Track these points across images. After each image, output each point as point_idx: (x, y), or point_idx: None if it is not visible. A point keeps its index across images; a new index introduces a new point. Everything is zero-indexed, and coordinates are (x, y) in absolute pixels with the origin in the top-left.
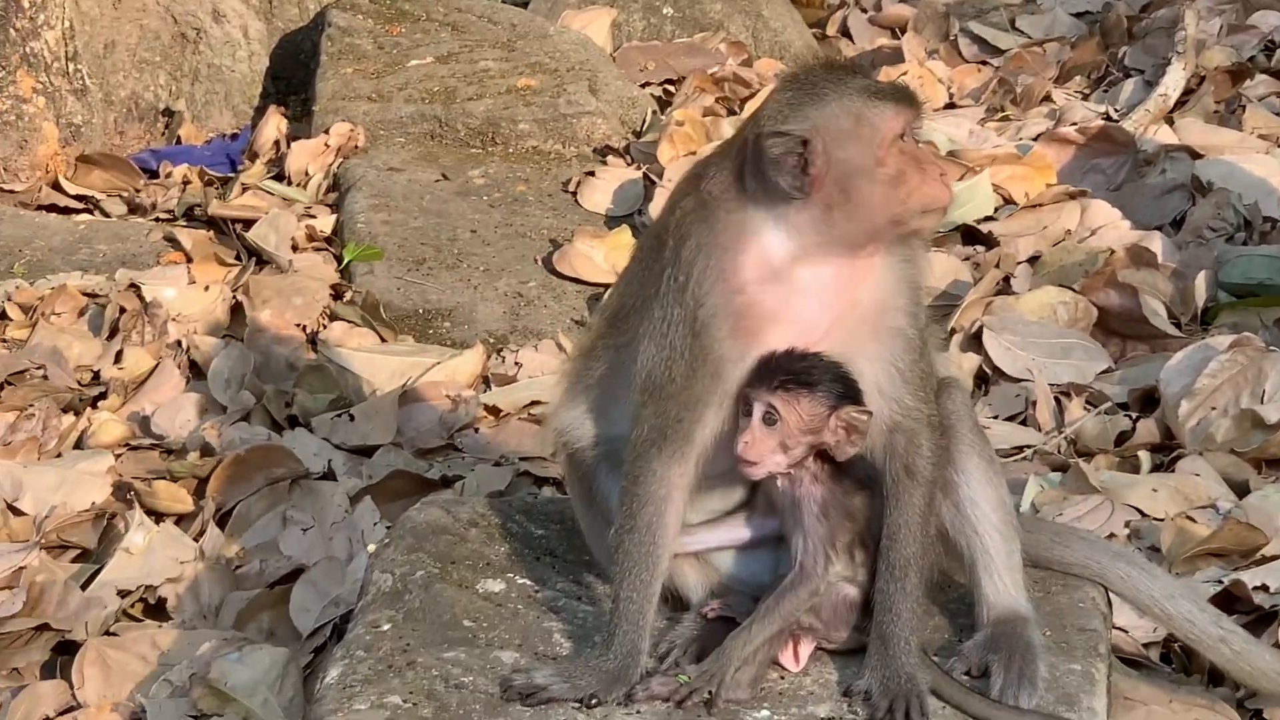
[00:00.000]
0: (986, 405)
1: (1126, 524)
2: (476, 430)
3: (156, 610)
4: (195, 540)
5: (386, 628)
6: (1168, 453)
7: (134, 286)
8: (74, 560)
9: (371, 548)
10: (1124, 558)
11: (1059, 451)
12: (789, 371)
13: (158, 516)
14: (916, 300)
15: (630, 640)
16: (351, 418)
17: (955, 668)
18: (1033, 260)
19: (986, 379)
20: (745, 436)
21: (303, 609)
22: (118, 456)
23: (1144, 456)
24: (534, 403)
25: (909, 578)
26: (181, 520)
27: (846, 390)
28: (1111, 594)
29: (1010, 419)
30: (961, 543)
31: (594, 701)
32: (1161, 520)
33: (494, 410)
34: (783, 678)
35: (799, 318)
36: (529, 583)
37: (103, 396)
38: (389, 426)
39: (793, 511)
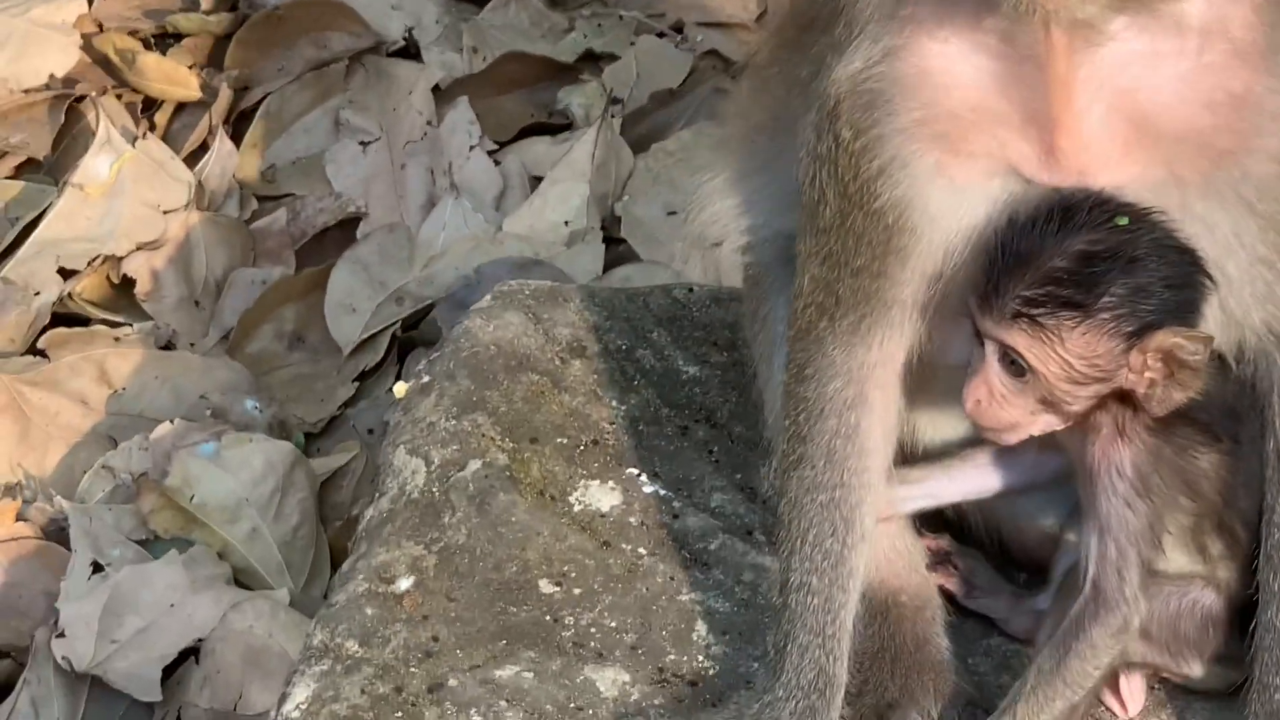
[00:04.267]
0: None
1: None
2: None
3: (121, 294)
4: (192, 165)
5: (404, 586)
6: None
7: None
8: (14, 174)
9: (400, 390)
10: None
11: None
12: (1038, 274)
13: (146, 104)
14: None
15: (813, 663)
16: None
17: None
18: None
19: None
20: (975, 388)
21: (345, 307)
22: None
23: None
24: None
25: None
26: (180, 113)
27: (1163, 295)
28: None
29: None
30: None
31: None
32: None
33: None
34: None
35: (1049, 115)
36: (663, 491)
37: None
38: None
39: (1086, 484)
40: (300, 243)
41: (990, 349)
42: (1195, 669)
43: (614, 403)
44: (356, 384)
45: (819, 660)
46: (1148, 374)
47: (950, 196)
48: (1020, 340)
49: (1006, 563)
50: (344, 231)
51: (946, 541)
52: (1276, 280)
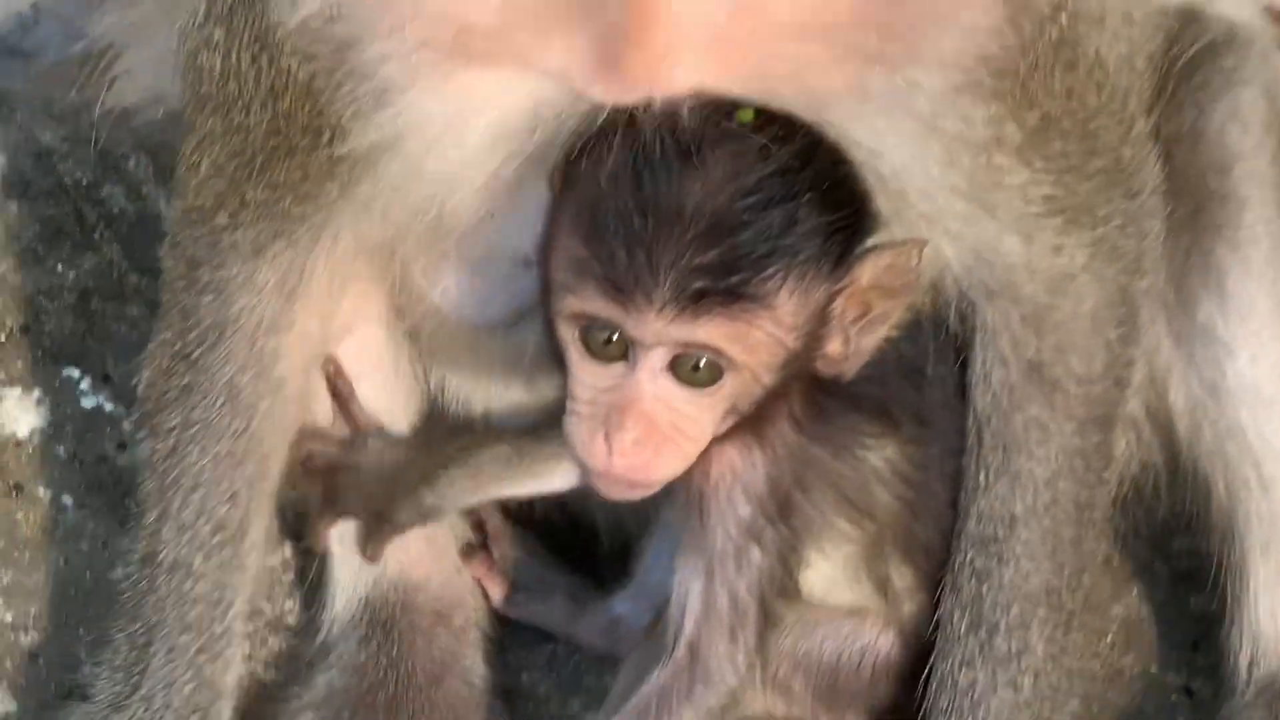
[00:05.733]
0: None
1: None
2: None
3: None
4: None
5: None
6: None
7: None
8: None
9: None
10: None
11: None
12: (709, 231)
13: None
14: None
15: (192, 671)
16: None
17: None
18: None
19: None
20: (624, 432)
21: None
22: None
23: None
24: None
25: (1030, 640)
26: None
27: (846, 211)
28: None
29: None
30: (1216, 482)
31: None
32: None
33: None
34: None
35: None
36: (110, 406)
37: None
38: None
39: (690, 506)
40: None
41: (648, 363)
42: None
43: (59, 266)
44: None
45: (200, 668)
46: (847, 324)
47: (452, 121)
48: (716, 330)
49: (581, 542)
50: None
51: (492, 515)
52: (977, 215)
